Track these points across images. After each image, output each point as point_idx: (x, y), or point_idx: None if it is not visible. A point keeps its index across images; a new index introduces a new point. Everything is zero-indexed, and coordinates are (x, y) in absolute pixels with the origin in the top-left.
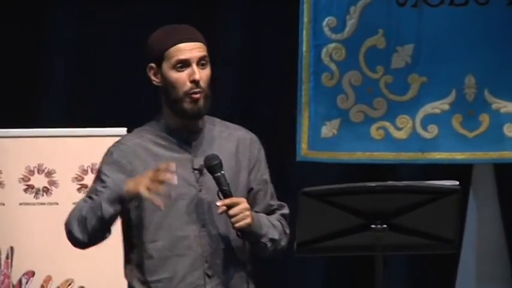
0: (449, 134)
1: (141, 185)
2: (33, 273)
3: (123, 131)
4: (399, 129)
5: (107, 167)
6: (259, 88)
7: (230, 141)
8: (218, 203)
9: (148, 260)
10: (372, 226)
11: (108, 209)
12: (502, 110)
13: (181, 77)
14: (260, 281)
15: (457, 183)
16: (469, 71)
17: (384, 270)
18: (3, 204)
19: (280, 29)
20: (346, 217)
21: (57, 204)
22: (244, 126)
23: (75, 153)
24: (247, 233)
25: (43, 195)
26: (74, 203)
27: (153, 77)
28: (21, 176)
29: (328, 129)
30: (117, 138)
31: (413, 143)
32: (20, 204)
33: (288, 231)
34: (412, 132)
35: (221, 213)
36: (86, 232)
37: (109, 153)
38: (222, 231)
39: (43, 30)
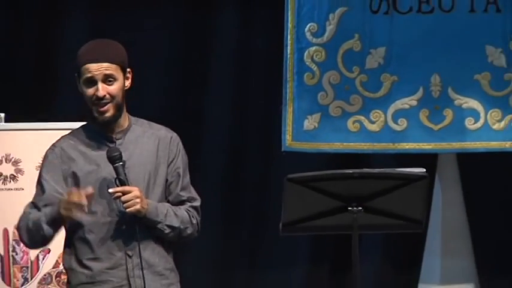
0: (417, 126)
1: (61, 208)
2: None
3: (80, 125)
4: (373, 122)
5: (45, 169)
6: (251, 85)
7: (152, 139)
8: (110, 190)
9: (83, 243)
10: (349, 208)
11: (48, 230)
12: (464, 106)
13: (89, 92)
14: (252, 255)
15: (424, 170)
16: (435, 71)
17: (360, 247)
18: None
19: (268, 33)
20: (326, 200)
21: (23, 189)
22: (234, 119)
23: (38, 145)
24: (142, 218)
25: (10, 181)
26: None
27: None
28: None
29: (310, 123)
30: None
31: (386, 134)
32: None
33: (195, 221)
34: (384, 125)
35: (115, 198)
36: (33, 242)
37: (45, 156)
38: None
39: (15, 23)
